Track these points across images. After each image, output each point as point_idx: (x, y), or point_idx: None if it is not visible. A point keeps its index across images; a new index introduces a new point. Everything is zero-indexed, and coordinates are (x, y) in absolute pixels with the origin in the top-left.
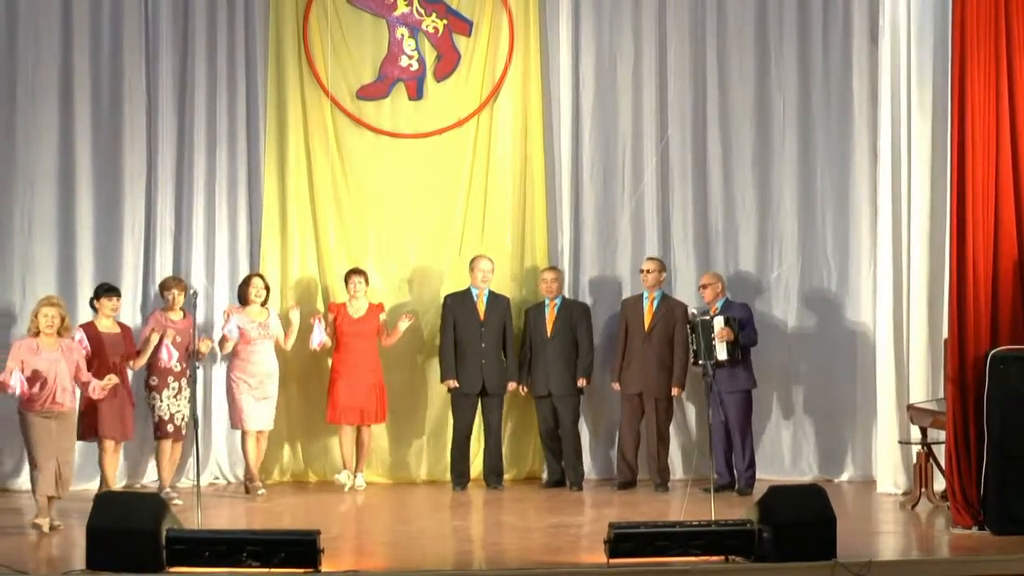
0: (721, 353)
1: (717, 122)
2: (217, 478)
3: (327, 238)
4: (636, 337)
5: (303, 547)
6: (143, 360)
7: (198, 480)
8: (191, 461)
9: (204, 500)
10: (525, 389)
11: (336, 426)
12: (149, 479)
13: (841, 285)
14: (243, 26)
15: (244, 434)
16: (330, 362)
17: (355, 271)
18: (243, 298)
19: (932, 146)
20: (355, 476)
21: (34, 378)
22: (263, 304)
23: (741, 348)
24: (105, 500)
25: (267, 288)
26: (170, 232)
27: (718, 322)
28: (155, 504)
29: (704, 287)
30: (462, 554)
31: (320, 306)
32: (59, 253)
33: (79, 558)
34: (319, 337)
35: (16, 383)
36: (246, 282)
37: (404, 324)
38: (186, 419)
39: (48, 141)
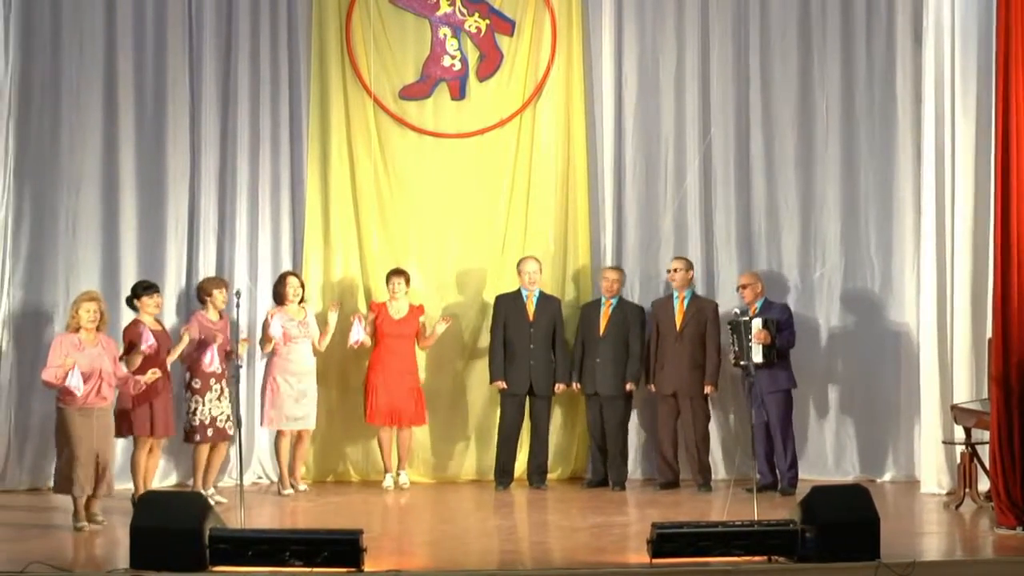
0: (756, 355)
1: (760, 123)
2: (260, 477)
3: (370, 238)
4: (668, 337)
5: (346, 546)
6: (173, 357)
7: (241, 479)
8: (234, 461)
9: (247, 499)
10: (578, 386)
11: (375, 426)
12: (173, 481)
13: (884, 285)
14: (286, 27)
15: (280, 434)
16: (367, 362)
17: (396, 272)
18: (280, 297)
19: (976, 146)
20: (398, 475)
21: (82, 374)
22: (300, 302)
23: (778, 350)
24: (148, 500)
25: (303, 285)
26: (213, 233)
27: (756, 324)
28: (198, 503)
29: (743, 287)
30: (505, 553)
31: (362, 306)
32: (103, 254)
33: (122, 557)
34: (357, 335)
35: (78, 384)
36: (282, 281)
37: (442, 327)
38: (229, 420)
39: (92, 143)
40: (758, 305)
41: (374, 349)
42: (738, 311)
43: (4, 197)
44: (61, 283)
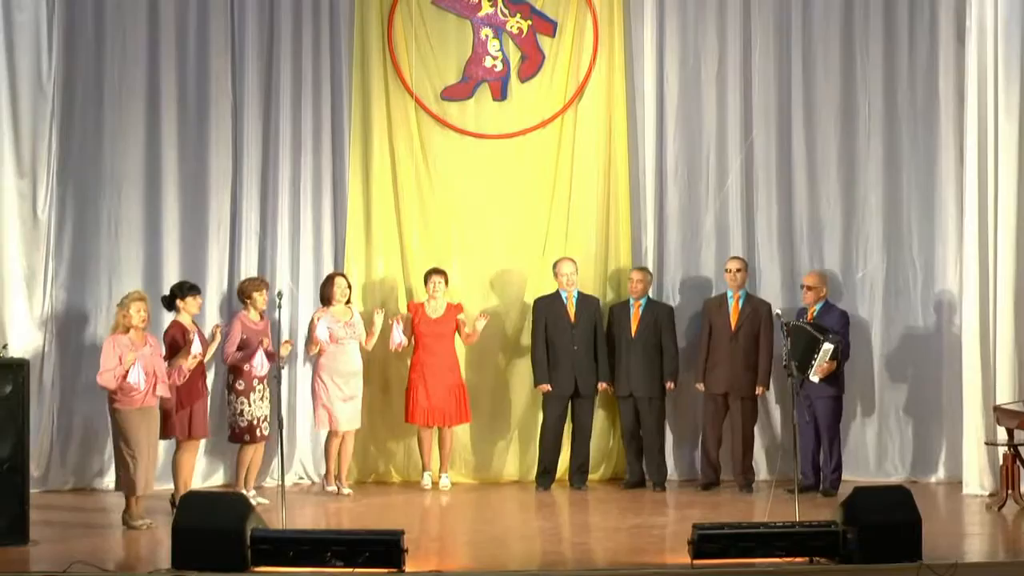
0: (814, 377)
1: (802, 122)
2: (301, 478)
3: (411, 239)
4: (722, 337)
5: (387, 547)
6: (207, 356)
7: (283, 480)
8: (275, 462)
9: (288, 500)
10: (610, 388)
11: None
12: (220, 482)
13: (927, 286)
14: (328, 28)
15: (330, 435)
16: (409, 362)
17: (435, 271)
18: (327, 298)
19: (1019, 146)
20: (440, 477)
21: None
22: (347, 303)
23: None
24: (190, 500)
25: (350, 287)
26: (255, 233)
27: (827, 350)
28: (240, 504)
29: (809, 288)
30: (546, 554)
31: (403, 306)
32: (145, 255)
33: (164, 557)
34: (398, 338)
35: (139, 379)
36: (329, 282)
37: (481, 323)
38: (266, 421)
39: (135, 144)
40: (817, 308)
41: (415, 351)
42: (779, 312)
43: (47, 198)
44: (103, 284)
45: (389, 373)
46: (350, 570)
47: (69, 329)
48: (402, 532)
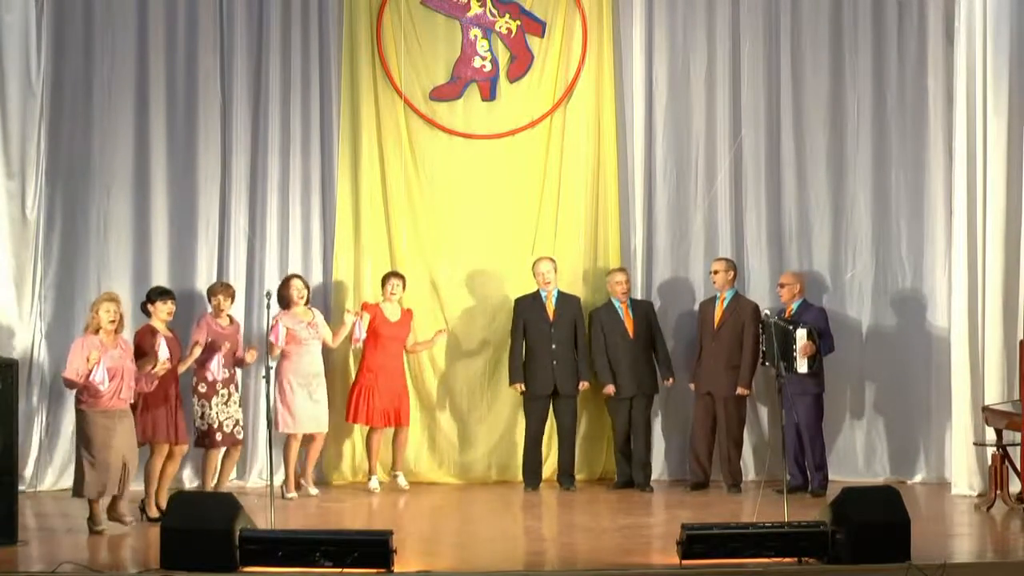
0: (802, 367)
1: (791, 122)
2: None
3: (400, 240)
4: (706, 336)
5: (376, 547)
6: (183, 368)
7: (271, 480)
8: (262, 463)
9: (260, 500)
10: (612, 389)
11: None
12: (182, 486)
13: (915, 286)
14: (317, 28)
15: (289, 438)
16: (359, 363)
17: (394, 274)
18: (285, 300)
19: (1008, 146)
20: (397, 476)
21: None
22: (306, 304)
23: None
24: (179, 500)
25: (307, 287)
26: (244, 234)
27: (801, 335)
28: (229, 504)
29: (782, 286)
30: (533, 555)
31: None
32: (134, 255)
33: (153, 557)
34: (359, 334)
35: (103, 378)
36: (286, 284)
37: (441, 339)
38: (238, 425)
39: (124, 144)
40: (795, 306)
41: (367, 350)
42: (768, 312)
43: (36, 198)
44: (92, 284)
45: (349, 374)
46: (339, 570)
47: (58, 329)
48: (391, 532)
